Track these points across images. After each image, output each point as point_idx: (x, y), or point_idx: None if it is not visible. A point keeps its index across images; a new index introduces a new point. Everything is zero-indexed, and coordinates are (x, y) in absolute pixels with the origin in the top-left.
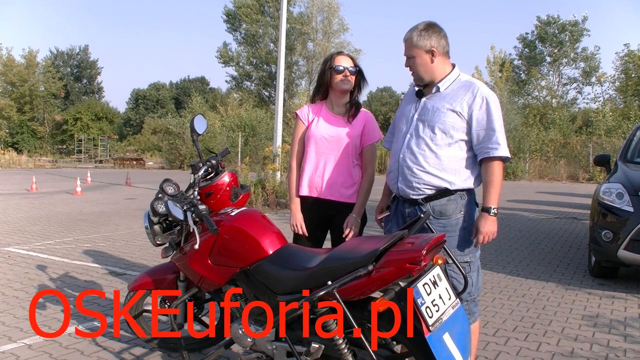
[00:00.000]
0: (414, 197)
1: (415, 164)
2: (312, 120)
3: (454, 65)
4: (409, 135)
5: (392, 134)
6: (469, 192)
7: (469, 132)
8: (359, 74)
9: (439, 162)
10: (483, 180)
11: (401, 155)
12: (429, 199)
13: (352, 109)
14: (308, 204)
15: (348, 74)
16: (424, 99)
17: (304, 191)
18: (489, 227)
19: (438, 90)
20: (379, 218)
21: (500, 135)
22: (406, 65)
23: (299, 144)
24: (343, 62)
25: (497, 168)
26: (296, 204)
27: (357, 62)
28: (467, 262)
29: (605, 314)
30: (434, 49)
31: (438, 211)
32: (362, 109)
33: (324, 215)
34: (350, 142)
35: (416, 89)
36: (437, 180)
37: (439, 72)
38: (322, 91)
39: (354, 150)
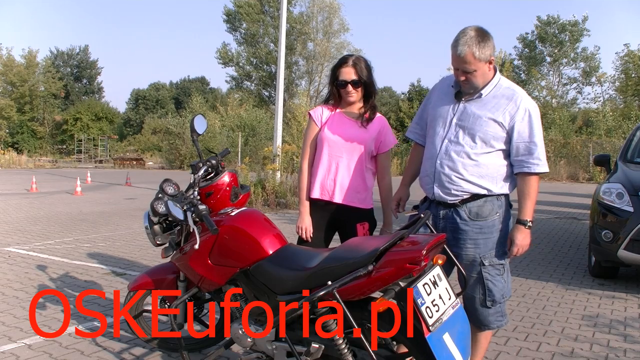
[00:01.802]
0: (452, 201)
1: (453, 171)
2: (326, 122)
3: (495, 69)
4: (446, 141)
5: (418, 125)
6: (506, 195)
7: (508, 141)
8: (364, 85)
9: (478, 170)
10: (519, 192)
11: (438, 161)
12: (465, 201)
13: (367, 113)
14: (319, 207)
15: (351, 88)
16: (463, 103)
17: (316, 194)
18: (524, 239)
19: (480, 96)
20: (407, 215)
21: (541, 150)
22: (461, 78)
23: (311, 145)
24: (346, 76)
25: (534, 182)
26: (306, 207)
27: (361, 69)
28: (502, 264)
29: (605, 314)
30: (492, 58)
31: (475, 212)
32: (378, 114)
33: (334, 219)
34: (364, 146)
35: (454, 90)
36: (476, 187)
37: (488, 78)
38: (334, 99)
39: (368, 154)
